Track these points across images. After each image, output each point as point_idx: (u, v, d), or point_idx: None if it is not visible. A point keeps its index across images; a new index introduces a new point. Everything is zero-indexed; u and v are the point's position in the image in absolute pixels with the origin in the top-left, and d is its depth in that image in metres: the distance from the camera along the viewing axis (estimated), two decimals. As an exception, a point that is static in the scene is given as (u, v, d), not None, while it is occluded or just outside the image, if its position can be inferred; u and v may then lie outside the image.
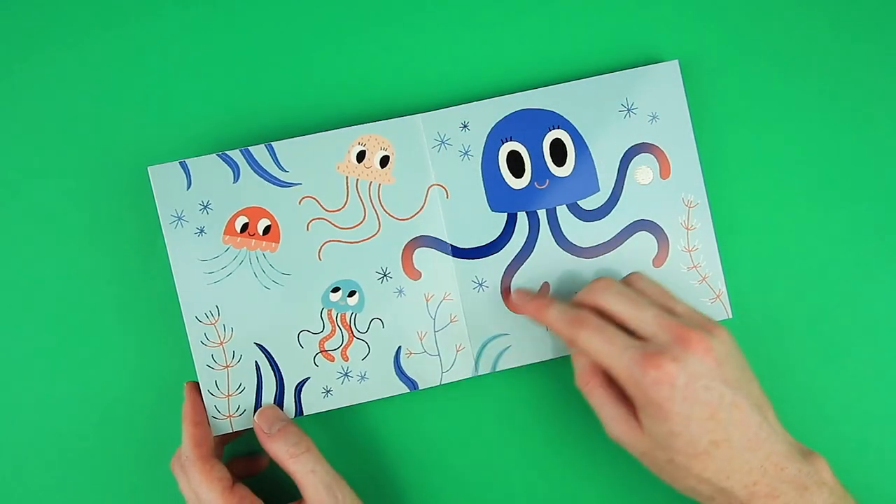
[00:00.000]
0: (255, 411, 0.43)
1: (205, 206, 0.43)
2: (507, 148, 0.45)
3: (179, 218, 0.43)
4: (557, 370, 0.46)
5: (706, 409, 0.37)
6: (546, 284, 0.45)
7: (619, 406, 0.40)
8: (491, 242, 0.45)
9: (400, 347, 0.44)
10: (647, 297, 0.40)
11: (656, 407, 0.37)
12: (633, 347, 0.37)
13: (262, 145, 0.43)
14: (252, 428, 0.43)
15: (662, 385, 0.37)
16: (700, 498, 0.39)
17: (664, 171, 0.45)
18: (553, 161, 0.45)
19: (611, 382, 0.40)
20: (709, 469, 0.37)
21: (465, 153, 0.44)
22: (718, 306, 0.45)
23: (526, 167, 0.45)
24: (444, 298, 0.44)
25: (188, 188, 0.43)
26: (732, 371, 0.38)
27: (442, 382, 0.44)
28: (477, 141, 0.44)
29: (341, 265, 0.44)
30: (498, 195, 0.45)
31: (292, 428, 0.42)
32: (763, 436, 0.37)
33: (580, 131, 0.45)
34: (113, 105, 0.45)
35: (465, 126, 0.44)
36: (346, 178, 0.44)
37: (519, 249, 0.45)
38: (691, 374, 0.37)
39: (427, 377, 0.44)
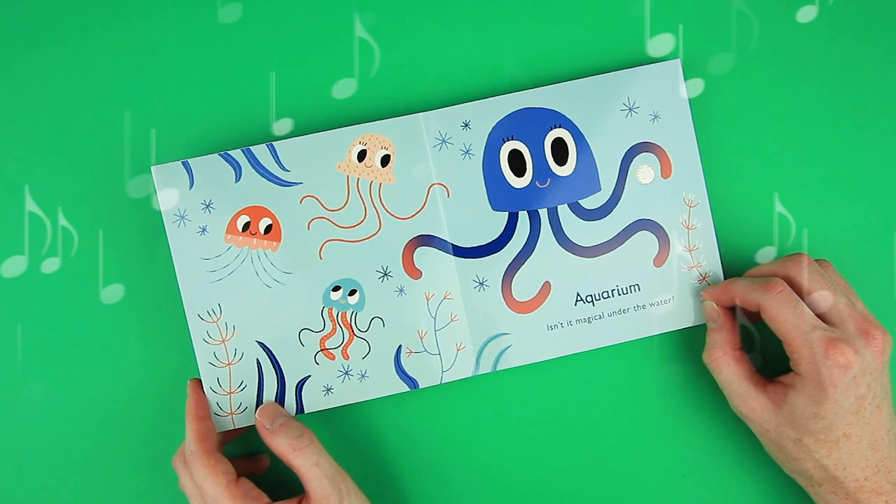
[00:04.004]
0: (256, 408, 0.44)
1: (207, 206, 0.44)
2: (508, 147, 0.45)
3: (182, 217, 0.43)
4: (558, 370, 0.46)
5: (857, 403, 0.38)
6: (547, 284, 0.45)
7: (749, 382, 0.41)
8: (492, 242, 0.45)
9: (400, 346, 0.44)
10: (838, 285, 0.41)
11: (820, 388, 0.38)
12: (822, 329, 0.39)
13: (264, 145, 0.44)
14: (253, 426, 0.44)
15: (837, 370, 0.38)
16: (808, 482, 0.41)
17: (665, 170, 0.45)
18: (554, 160, 0.45)
19: (739, 359, 0.42)
20: (831, 457, 0.39)
21: (467, 152, 0.44)
22: (720, 306, 0.45)
23: (527, 166, 0.45)
24: (444, 297, 0.44)
25: (191, 187, 0.43)
26: (888, 375, 0.40)
27: (442, 381, 0.44)
28: (478, 140, 0.44)
29: (342, 264, 0.44)
30: (499, 194, 0.45)
31: (294, 423, 0.42)
32: (887, 440, 0.40)
33: (581, 130, 0.45)
34: (115, 105, 0.46)
35: (466, 125, 0.44)
36: (347, 177, 0.44)
37: (520, 249, 0.45)
38: (864, 368, 0.38)
39: (427, 376, 0.44)
